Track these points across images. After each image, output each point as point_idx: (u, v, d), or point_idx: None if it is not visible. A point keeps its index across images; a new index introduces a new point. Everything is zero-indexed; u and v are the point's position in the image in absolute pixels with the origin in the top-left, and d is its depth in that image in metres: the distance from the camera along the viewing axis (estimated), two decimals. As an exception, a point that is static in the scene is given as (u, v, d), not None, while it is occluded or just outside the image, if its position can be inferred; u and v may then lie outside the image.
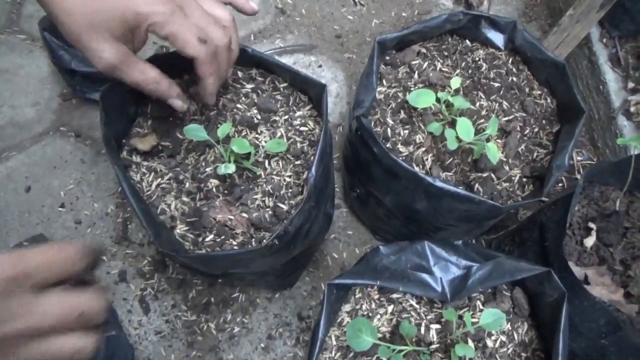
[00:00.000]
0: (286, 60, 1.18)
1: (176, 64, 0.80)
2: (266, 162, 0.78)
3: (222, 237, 0.74)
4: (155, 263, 0.95)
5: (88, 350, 0.40)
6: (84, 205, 1.01)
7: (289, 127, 0.80)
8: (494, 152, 0.74)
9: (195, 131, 0.73)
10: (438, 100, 0.79)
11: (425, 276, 0.67)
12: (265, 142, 0.79)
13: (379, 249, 0.71)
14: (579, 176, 1.06)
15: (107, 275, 0.94)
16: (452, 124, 0.83)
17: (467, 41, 0.90)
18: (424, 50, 0.89)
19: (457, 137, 0.76)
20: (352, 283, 0.65)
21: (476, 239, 0.99)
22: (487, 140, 0.76)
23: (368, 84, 0.79)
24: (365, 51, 1.21)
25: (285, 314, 0.93)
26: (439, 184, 0.70)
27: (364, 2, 1.27)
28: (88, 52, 0.51)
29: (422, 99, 0.78)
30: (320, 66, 1.18)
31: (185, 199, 0.77)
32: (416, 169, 0.79)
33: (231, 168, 0.72)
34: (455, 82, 0.81)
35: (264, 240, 0.72)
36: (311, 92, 0.80)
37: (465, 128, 0.76)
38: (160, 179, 0.78)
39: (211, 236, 0.74)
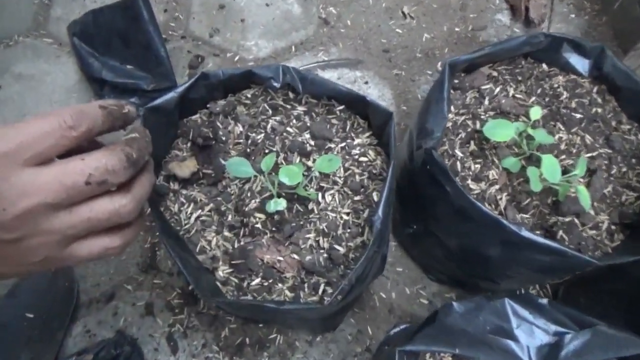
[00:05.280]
0: (330, 75, 1.09)
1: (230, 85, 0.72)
2: (319, 195, 0.69)
3: (270, 281, 0.65)
4: (185, 296, 0.86)
5: (128, 209, 0.39)
6: (109, 228, 0.92)
7: (347, 157, 0.71)
8: (585, 197, 0.64)
9: (238, 166, 0.64)
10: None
11: (510, 343, 0.57)
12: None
13: (452, 307, 0.62)
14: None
15: (132, 307, 0.86)
16: (530, 160, 0.73)
17: (544, 65, 0.81)
18: (495, 74, 0.80)
19: (540, 177, 0.67)
20: (427, 350, 0.56)
21: (541, 285, 0.89)
22: (569, 181, 0.67)
23: (438, 112, 0.70)
24: (414, 68, 1.12)
25: (327, 361, 0.83)
26: (525, 234, 0.61)
27: (414, 15, 1.18)
28: None
29: (500, 131, 0.69)
30: (366, 83, 1.09)
31: (227, 233, 0.68)
32: (486, 208, 0.69)
33: (281, 204, 0.63)
34: (536, 112, 0.72)
35: (320, 291, 0.63)
36: (373, 119, 0.71)
37: (551, 167, 0.66)
38: (200, 211, 0.69)
39: (257, 280, 0.65)
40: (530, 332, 0.60)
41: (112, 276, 0.89)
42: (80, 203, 0.37)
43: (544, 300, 0.63)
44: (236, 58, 1.14)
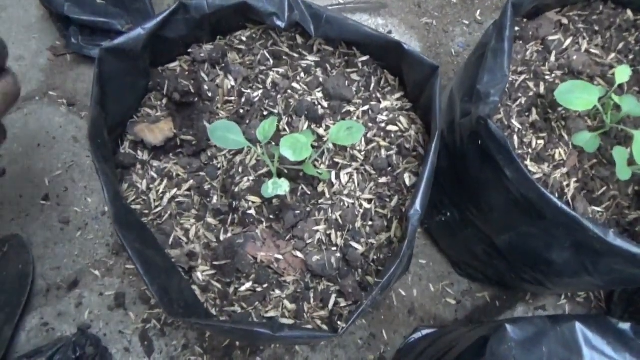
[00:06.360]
0: (346, 21, 0.90)
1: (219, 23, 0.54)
2: (333, 174, 0.53)
3: (265, 286, 0.50)
4: (164, 286, 0.71)
5: None
6: (74, 200, 0.77)
7: (370, 124, 0.54)
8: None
9: (224, 132, 0.47)
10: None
11: (587, 389, 0.42)
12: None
13: (505, 332, 0.46)
14: None
15: (99, 297, 0.71)
16: (606, 136, 0.56)
17: (629, 12, 0.63)
18: (565, 21, 0.62)
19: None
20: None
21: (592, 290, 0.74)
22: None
23: (496, 68, 0.52)
24: (449, 16, 0.93)
25: (332, 369, 0.69)
26: (614, 240, 0.45)
27: (450, -48, 0.98)
28: None
29: (579, 96, 0.52)
30: (390, 32, 0.91)
31: (211, 220, 0.52)
32: (561, 202, 0.53)
33: (282, 186, 0.47)
34: (622, 72, 0.55)
35: (331, 303, 0.47)
36: (409, 74, 0.53)
37: (646, 148, 0.49)
38: (176, 189, 0.53)
39: (248, 284, 0.50)
40: (611, 371, 0.45)
41: (77, 258, 0.74)
42: None
43: (626, 326, 0.48)
44: (233, -3, 0.94)
